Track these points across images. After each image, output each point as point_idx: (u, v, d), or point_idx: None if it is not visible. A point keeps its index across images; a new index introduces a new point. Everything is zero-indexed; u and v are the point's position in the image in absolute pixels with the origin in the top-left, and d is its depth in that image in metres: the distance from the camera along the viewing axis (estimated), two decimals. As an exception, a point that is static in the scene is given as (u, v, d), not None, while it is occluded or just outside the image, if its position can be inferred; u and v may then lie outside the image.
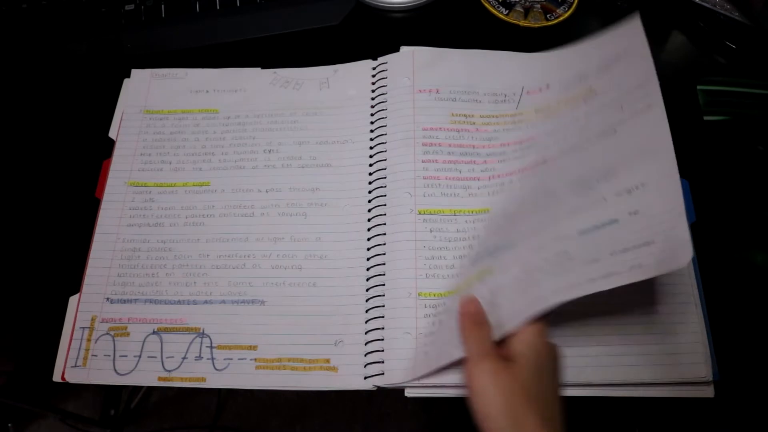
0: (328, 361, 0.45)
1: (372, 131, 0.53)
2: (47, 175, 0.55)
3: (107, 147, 0.54)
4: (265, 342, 0.45)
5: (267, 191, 0.51)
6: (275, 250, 0.49)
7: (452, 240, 0.47)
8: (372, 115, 0.54)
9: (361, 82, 0.55)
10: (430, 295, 0.45)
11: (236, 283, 0.48)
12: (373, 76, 0.55)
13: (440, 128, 0.51)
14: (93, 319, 0.47)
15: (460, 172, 0.50)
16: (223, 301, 0.47)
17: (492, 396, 0.34)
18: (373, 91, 0.55)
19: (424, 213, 0.48)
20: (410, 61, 0.54)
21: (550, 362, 0.36)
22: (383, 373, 0.43)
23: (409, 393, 0.43)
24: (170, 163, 0.53)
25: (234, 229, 0.50)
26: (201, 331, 0.46)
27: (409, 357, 0.43)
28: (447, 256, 0.46)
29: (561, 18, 0.59)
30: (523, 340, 0.36)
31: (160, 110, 0.56)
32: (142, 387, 0.44)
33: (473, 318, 0.38)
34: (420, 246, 0.47)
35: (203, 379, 0.45)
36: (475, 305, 0.39)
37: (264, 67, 0.57)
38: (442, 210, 0.48)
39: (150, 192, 0.52)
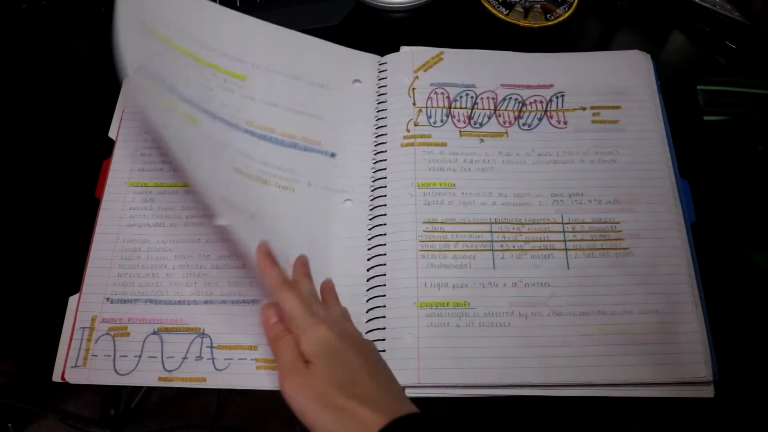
0: None
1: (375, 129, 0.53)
2: (47, 175, 0.55)
3: (107, 147, 0.54)
4: (266, 342, 0.45)
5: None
6: (276, 249, 0.49)
7: (452, 241, 0.47)
8: (378, 111, 0.54)
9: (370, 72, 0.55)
10: (432, 285, 0.45)
11: (237, 283, 0.48)
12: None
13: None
14: (93, 319, 0.47)
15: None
16: (224, 301, 0.47)
17: (308, 405, 0.35)
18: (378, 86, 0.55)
19: (426, 223, 0.48)
20: (410, 61, 0.54)
21: (342, 346, 0.37)
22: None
23: (408, 393, 0.43)
24: (171, 162, 0.53)
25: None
26: (201, 331, 0.46)
27: (409, 357, 0.43)
28: (448, 256, 0.46)
29: (561, 18, 0.59)
30: (308, 340, 0.37)
31: None
32: (142, 387, 0.44)
33: (275, 333, 0.39)
34: (419, 247, 0.47)
35: (203, 379, 0.45)
36: (274, 323, 0.40)
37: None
38: (442, 220, 0.48)
39: (150, 192, 0.52)
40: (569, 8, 0.59)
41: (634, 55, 0.54)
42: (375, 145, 0.52)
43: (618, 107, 0.52)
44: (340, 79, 0.54)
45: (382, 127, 0.52)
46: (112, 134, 0.54)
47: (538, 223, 0.48)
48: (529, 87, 0.53)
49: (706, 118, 0.54)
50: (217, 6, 0.55)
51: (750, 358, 0.45)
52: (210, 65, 0.52)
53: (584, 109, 0.52)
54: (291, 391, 0.36)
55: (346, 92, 0.54)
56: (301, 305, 0.38)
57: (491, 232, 0.47)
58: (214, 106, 0.51)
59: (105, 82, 0.57)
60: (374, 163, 0.51)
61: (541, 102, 0.53)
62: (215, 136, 0.50)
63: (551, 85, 0.53)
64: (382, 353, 0.44)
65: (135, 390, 0.44)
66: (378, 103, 0.54)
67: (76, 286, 0.48)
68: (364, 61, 0.55)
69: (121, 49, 0.44)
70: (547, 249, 0.47)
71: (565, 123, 0.52)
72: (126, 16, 0.47)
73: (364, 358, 0.37)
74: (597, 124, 0.52)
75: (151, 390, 0.45)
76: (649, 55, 0.54)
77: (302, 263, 0.43)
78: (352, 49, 0.56)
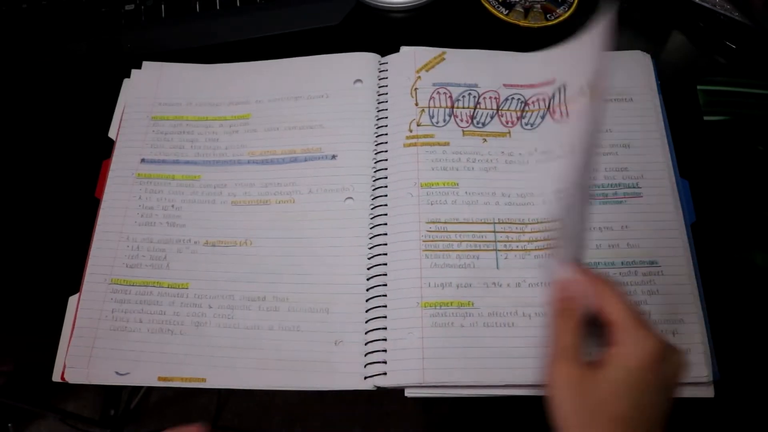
0: (328, 361, 0.44)
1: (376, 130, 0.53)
2: (47, 175, 0.55)
3: (107, 147, 0.54)
4: (265, 341, 0.45)
5: (267, 185, 0.51)
6: (278, 249, 0.49)
7: (456, 240, 0.47)
8: (378, 111, 0.53)
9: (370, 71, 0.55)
10: (435, 285, 0.45)
11: (238, 280, 0.48)
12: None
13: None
14: (93, 319, 0.47)
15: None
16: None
17: (567, 408, 0.31)
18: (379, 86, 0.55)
19: (430, 222, 0.48)
20: (411, 61, 0.54)
21: (652, 374, 0.30)
22: (386, 374, 0.43)
23: (409, 393, 0.43)
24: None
25: (236, 227, 0.50)
26: (202, 331, 0.46)
27: (413, 357, 0.43)
28: (451, 255, 0.46)
29: (561, 18, 0.59)
30: (627, 353, 0.31)
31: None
32: (142, 387, 0.44)
33: (563, 305, 0.34)
34: (422, 246, 0.47)
35: (203, 380, 0.45)
36: (567, 293, 0.34)
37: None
38: (446, 219, 0.48)
39: (150, 191, 0.52)
40: (569, 8, 0.59)
41: (634, 55, 0.54)
42: (376, 145, 0.52)
43: (618, 107, 0.52)
44: (341, 84, 0.54)
45: (383, 127, 0.52)
46: (112, 134, 0.54)
47: (541, 223, 0.48)
48: (531, 87, 0.53)
49: (706, 118, 0.54)
50: (222, 65, 0.57)
51: (750, 358, 0.45)
52: (218, 119, 0.54)
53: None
54: (558, 381, 0.31)
55: (347, 95, 0.54)
56: (633, 310, 0.32)
57: (494, 232, 0.47)
58: (218, 152, 0.53)
59: (105, 82, 0.57)
60: (375, 163, 0.51)
61: (543, 100, 0.53)
62: (213, 181, 0.52)
63: (553, 80, 0.53)
64: (382, 353, 0.44)
65: (135, 390, 0.44)
66: (379, 104, 0.54)
67: (76, 286, 0.48)
68: (365, 60, 0.55)
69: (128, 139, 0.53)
70: (550, 248, 0.47)
71: (567, 116, 0.51)
72: (132, 114, 0.55)
73: (660, 399, 0.31)
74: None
75: (151, 390, 0.45)
76: (648, 55, 0.54)
77: None
78: (349, 54, 0.56)
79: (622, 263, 0.46)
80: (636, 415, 0.30)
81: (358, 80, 0.54)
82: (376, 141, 0.52)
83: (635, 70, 0.53)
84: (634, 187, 0.49)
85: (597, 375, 0.31)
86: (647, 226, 0.47)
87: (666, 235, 0.47)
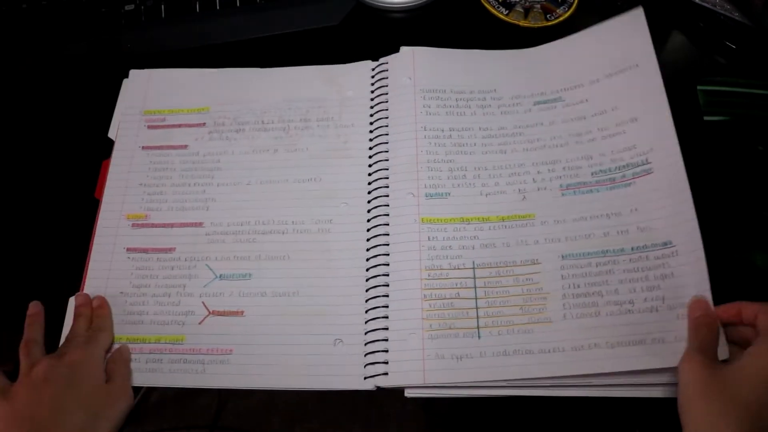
0: (328, 363, 0.44)
1: (371, 131, 0.53)
2: (47, 175, 0.55)
3: (107, 147, 0.54)
4: (265, 342, 0.45)
5: (265, 183, 0.51)
6: (277, 250, 0.49)
7: (455, 239, 0.47)
8: (371, 115, 0.54)
9: (361, 82, 0.55)
10: (435, 290, 0.45)
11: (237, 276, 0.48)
12: (373, 77, 0.55)
13: (441, 128, 0.51)
14: (93, 320, 0.47)
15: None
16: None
17: (692, 396, 0.35)
18: (372, 91, 0.55)
19: (428, 222, 0.48)
20: (410, 61, 0.54)
21: None
22: (387, 374, 0.43)
23: (408, 393, 0.43)
24: None
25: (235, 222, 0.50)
26: (202, 330, 0.46)
27: (414, 358, 0.43)
28: (451, 255, 0.46)
29: (561, 18, 0.59)
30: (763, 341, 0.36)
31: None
32: (142, 387, 0.44)
33: (707, 318, 0.40)
34: (423, 247, 0.47)
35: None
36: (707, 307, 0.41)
37: (263, 67, 0.57)
38: (445, 218, 0.48)
39: (150, 192, 0.52)
40: (569, 8, 0.59)
41: (628, 17, 0.53)
42: (373, 146, 0.52)
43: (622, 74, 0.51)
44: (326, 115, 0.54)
45: (382, 127, 0.52)
46: (111, 134, 0.54)
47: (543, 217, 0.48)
48: (531, 85, 0.53)
49: (706, 118, 0.54)
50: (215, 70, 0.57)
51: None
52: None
53: (587, 100, 0.52)
54: (687, 373, 0.36)
55: (332, 128, 0.54)
56: None
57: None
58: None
59: (105, 82, 0.57)
60: (370, 165, 0.51)
61: (542, 94, 0.53)
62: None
63: (554, 81, 0.53)
64: (384, 353, 0.44)
65: (135, 390, 0.44)
66: (377, 104, 0.54)
67: (76, 287, 0.48)
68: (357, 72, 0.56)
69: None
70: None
71: (569, 112, 0.51)
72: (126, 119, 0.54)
73: None
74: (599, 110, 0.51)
75: (151, 390, 0.45)
76: (641, 8, 0.53)
77: None
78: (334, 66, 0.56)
79: (632, 249, 0.45)
80: (755, 408, 0.33)
81: (349, 92, 0.55)
82: (376, 141, 0.52)
83: (632, 33, 0.52)
84: (643, 164, 0.47)
85: (730, 367, 0.35)
86: (660, 204, 0.45)
87: (680, 209, 0.45)
